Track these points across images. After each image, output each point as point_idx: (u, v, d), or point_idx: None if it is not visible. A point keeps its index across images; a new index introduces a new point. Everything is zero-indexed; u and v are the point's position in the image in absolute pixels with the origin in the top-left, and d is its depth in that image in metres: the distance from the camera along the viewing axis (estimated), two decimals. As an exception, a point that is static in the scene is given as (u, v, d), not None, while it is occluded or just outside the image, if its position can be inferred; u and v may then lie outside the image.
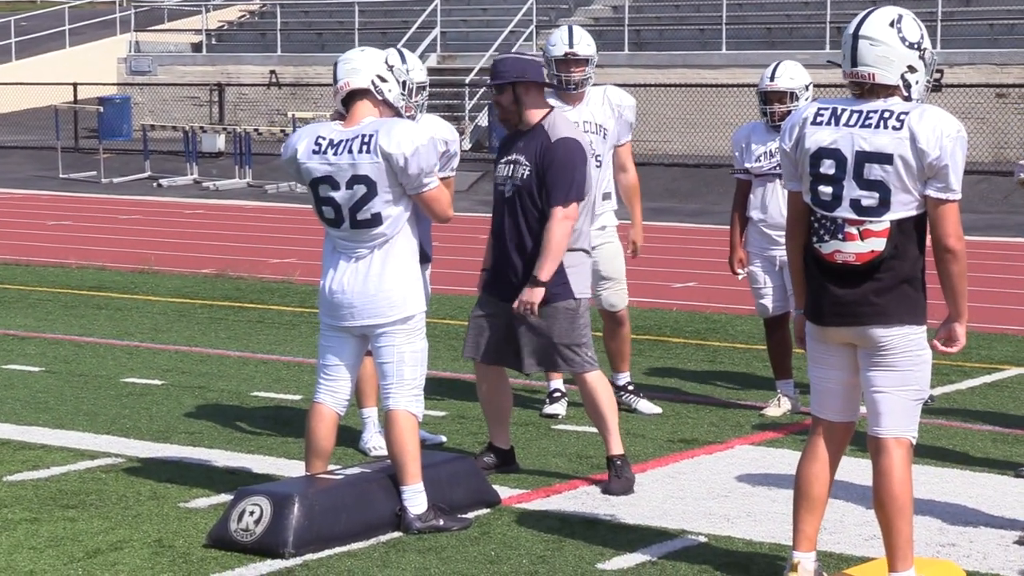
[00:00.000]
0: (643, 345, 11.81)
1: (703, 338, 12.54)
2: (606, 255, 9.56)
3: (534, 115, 7.90)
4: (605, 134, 9.51)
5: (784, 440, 9.01)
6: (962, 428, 9.26)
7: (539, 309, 7.75)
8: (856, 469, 7.74)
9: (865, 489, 7.53)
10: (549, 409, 9.67)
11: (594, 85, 9.63)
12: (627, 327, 9.76)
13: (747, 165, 9.70)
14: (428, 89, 8.61)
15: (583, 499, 7.69)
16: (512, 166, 7.88)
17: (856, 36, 5.97)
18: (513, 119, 7.93)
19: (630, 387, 9.76)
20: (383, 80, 7.22)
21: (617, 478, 7.85)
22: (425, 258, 8.30)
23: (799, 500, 6.21)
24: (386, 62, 7.28)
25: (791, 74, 9.54)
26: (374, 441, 8.63)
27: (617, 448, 7.90)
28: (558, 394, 9.72)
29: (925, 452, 8.29)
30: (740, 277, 9.89)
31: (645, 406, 9.65)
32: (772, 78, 9.53)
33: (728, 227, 10.00)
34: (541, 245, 7.73)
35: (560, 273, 7.78)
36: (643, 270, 14.79)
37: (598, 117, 9.49)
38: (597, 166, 9.46)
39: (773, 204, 9.56)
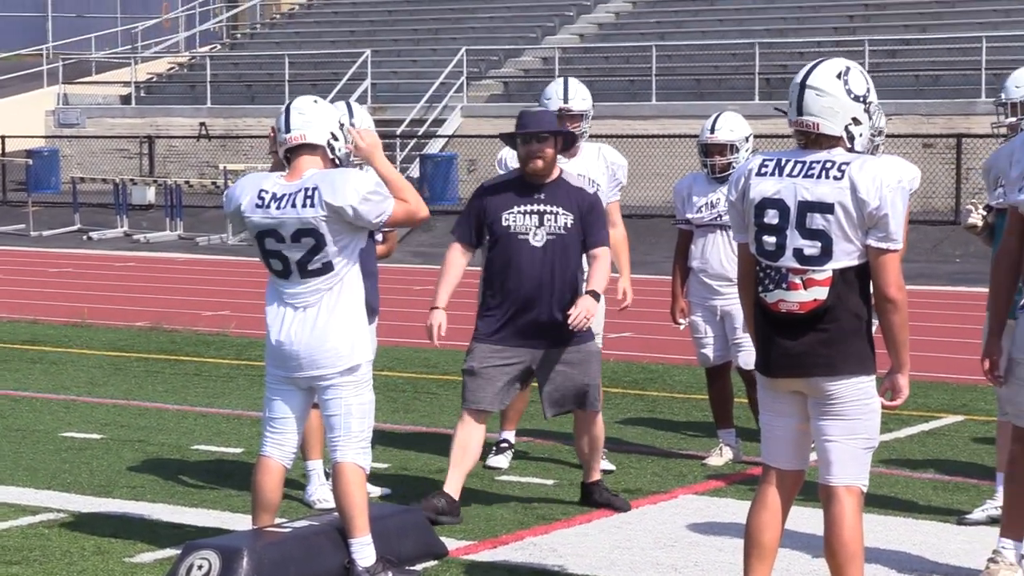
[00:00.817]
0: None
1: (642, 388, 12.59)
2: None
3: (556, 170, 8.43)
4: (598, 189, 9.52)
5: (728, 489, 9.05)
6: (903, 476, 9.33)
7: (573, 350, 8.30)
8: (801, 517, 7.78)
9: (811, 537, 7.59)
10: (493, 461, 9.66)
11: (589, 141, 9.62)
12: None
13: (688, 216, 9.77)
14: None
15: (530, 550, 7.70)
16: (540, 216, 8.31)
17: (803, 86, 6.06)
18: (549, 170, 8.37)
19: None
20: (335, 139, 7.21)
21: (614, 496, 8.54)
22: (372, 311, 8.30)
23: (749, 548, 6.24)
24: (339, 120, 7.25)
25: (731, 126, 9.63)
26: (319, 493, 8.60)
27: (599, 474, 8.63)
28: (505, 445, 9.71)
29: (868, 500, 8.28)
30: (682, 327, 9.94)
31: (500, 460, 9.65)
32: (712, 130, 9.62)
33: (670, 277, 10.02)
34: (591, 272, 8.33)
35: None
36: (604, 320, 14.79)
37: (592, 172, 9.48)
38: None
39: (714, 254, 9.63)
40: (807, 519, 7.90)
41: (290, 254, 7.08)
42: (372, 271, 8.25)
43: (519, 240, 8.27)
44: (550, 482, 9.23)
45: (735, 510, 8.43)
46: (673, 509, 8.58)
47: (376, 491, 8.77)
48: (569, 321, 8.11)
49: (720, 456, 9.74)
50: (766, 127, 21.96)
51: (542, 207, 8.29)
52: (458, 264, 8.47)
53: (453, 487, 8.25)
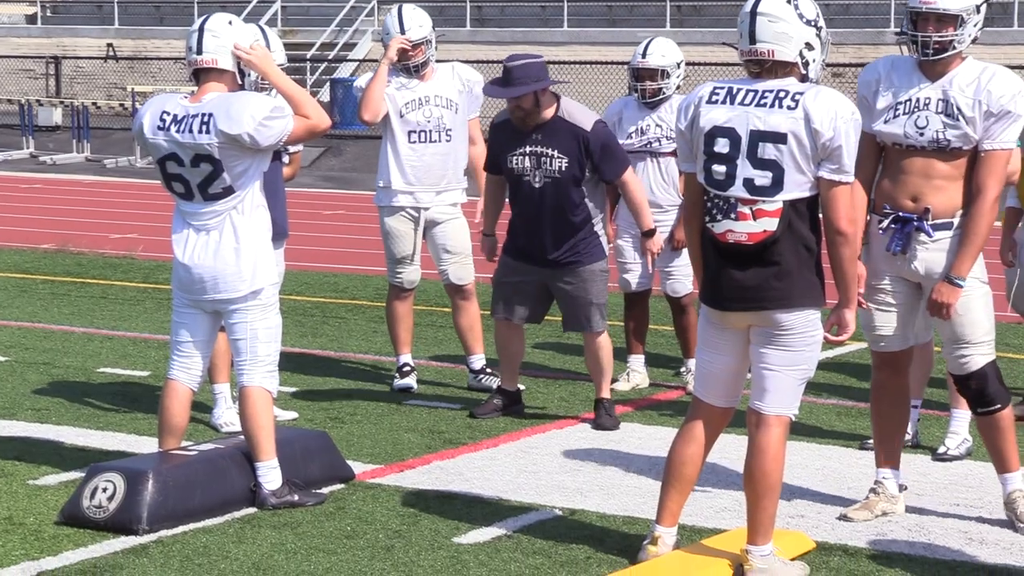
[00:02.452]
0: (492, 321, 11.83)
1: (551, 314, 12.58)
2: (452, 230, 9.64)
3: (548, 111, 8.61)
4: (456, 108, 9.57)
5: (634, 414, 9.12)
6: (808, 402, 9.41)
7: (575, 273, 8.73)
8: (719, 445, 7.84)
9: (716, 462, 7.66)
10: (400, 383, 9.68)
11: (440, 62, 9.69)
12: (475, 304, 9.81)
13: (619, 141, 9.74)
14: (285, 68, 8.53)
15: (436, 474, 7.72)
16: (537, 158, 8.61)
17: (754, 13, 5.98)
18: (534, 118, 8.58)
19: (488, 369, 9.78)
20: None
21: (608, 416, 8.75)
22: (282, 233, 8.27)
23: (669, 479, 6.28)
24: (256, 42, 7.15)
25: (663, 51, 9.61)
26: (226, 417, 8.58)
27: (607, 392, 8.85)
28: (407, 368, 9.72)
29: (772, 425, 8.42)
30: (607, 250, 9.89)
31: (408, 382, 9.68)
32: (644, 55, 9.59)
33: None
34: (633, 209, 8.89)
35: (594, 235, 8.73)
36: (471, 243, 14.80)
37: (448, 92, 9.56)
38: (447, 140, 9.53)
39: (644, 181, 9.60)
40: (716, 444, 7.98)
41: (190, 177, 7.02)
42: (278, 193, 8.20)
43: (523, 180, 8.68)
44: (457, 406, 9.25)
45: (640, 435, 8.51)
46: (579, 433, 8.63)
47: (284, 415, 8.75)
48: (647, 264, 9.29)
49: (628, 381, 9.79)
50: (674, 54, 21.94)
51: (539, 148, 8.61)
52: (492, 191, 9.04)
53: (510, 383, 9.04)
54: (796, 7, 6.00)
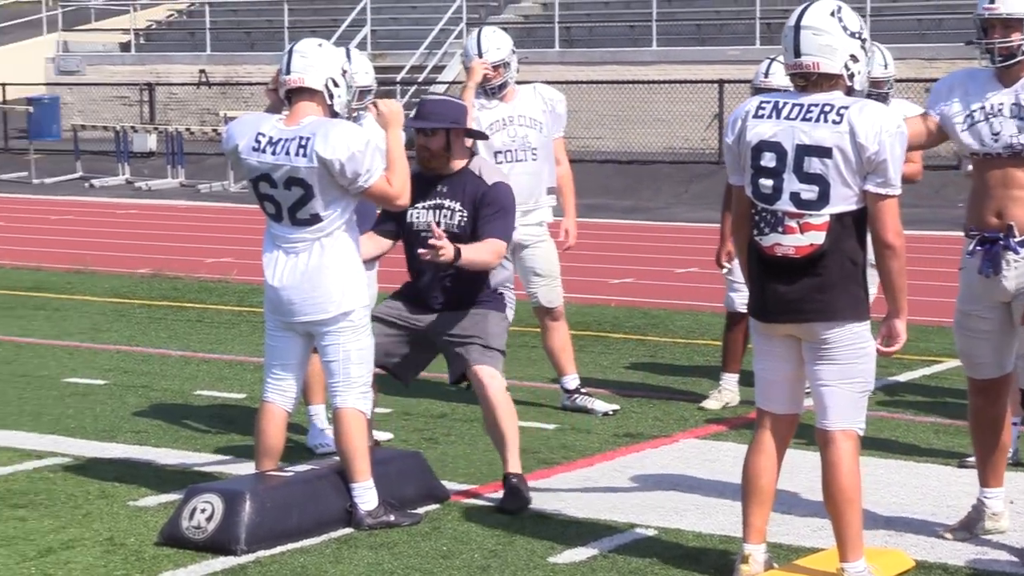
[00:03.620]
0: (584, 341, 11.85)
1: (643, 333, 12.61)
2: (542, 253, 9.66)
3: (459, 161, 7.75)
4: (541, 128, 9.62)
5: (728, 433, 9.08)
6: (905, 420, 9.37)
7: (472, 314, 7.66)
8: (801, 461, 7.82)
9: (810, 480, 7.62)
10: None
11: (522, 83, 9.73)
12: (564, 325, 9.81)
13: None
14: (373, 92, 8.61)
15: (532, 494, 7.72)
16: (437, 211, 7.68)
17: (798, 27, 6.01)
18: (440, 163, 7.71)
19: (582, 389, 9.78)
20: (336, 85, 7.17)
21: (512, 495, 7.54)
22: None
23: (748, 493, 6.27)
24: (342, 67, 7.20)
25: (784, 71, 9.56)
26: (321, 438, 8.64)
27: (513, 466, 7.63)
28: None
29: (870, 443, 8.36)
30: (724, 271, 9.85)
31: (600, 405, 9.67)
32: (766, 75, 9.56)
33: (671, 223, 10.03)
34: (471, 245, 7.52)
35: (497, 295, 7.77)
36: (579, 267, 14.85)
37: (532, 112, 9.61)
38: (533, 159, 9.56)
39: None
40: (807, 461, 7.94)
41: (282, 200, 7.08)
42: (370, 214, 8.25)
43: (420, 235, 7.65)
44: (551, 427, 9.26)
45: (735, 453, 8.45)
46: (674, 453, 8.61)
47: (379, 436, 8.79)
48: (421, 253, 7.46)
49: (719, 399, 9.76)
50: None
51: (441, 201, 7.71)
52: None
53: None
54: (840, 20, 6.00)
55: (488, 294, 7.77)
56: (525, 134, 9.57)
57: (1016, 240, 6.68)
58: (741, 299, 9.75)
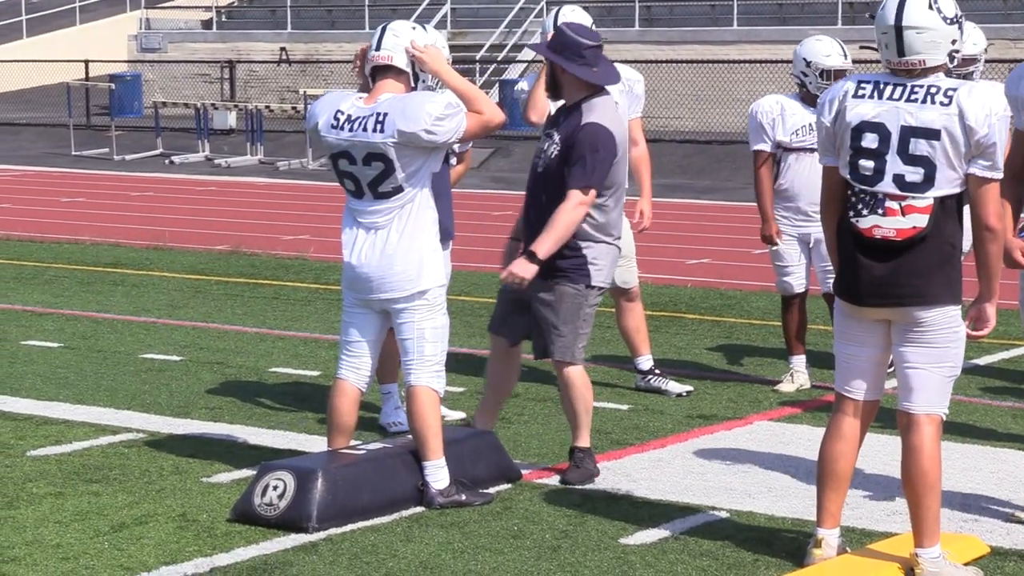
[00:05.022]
0: (659, 322, 11.81)
1: (719, 314, 12.55)
2: None
3: (575, 93, 7.63)
4: (616, 107, 9.53)
5: (802, 416, 9.02)
6: (982, 404, 9.27)
7: (548, 287, 7.55)
8: (876, 444, 7.76)
9: (885, 464, 7.56)
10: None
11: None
12: (640, 305, 9.77)
13: (780, 138, 9.60)
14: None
15: (604, 474, 7.70)
16: (548, 141, 7.62)
17: (899, 28, 5.90)
18: (549, 90, 7.73)
19: (656, 370, 9.74)
20: (422, 69, 7.22)
21: (577, 468, 7.61)
22: (447, 235, 8.31)
23: (824, 478, 6.22)
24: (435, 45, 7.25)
25: (847, 52, 9.58)
26: (394, 416, 8.65)
27: (582, 440, 7.67)
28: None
29: (946, 428, 8.25)
30: (778, 246, 9.77)
31: (674, 387, 9.63)
32: (846, 56, 9.56)
33: (749, 203, 9.94)
34: (545, 227, 7.45)
35: (578, 258, 7.60)
36: (656, 247, 14.79)
37: (613, 93, 9.50)
38: None
39: (804, 179, 9.51)
40: (883, 445, 7.89)
41: (361, 176, 7.11)
42: (445, 193, 8.25)
43: (533, 163, 7.74)
44: (624, 407, 9.23)
45: (809, 436, 8.41)
46: (748, 435, 8.56)
47: (452, 415, 8.80)
48: (500, 277, 7.53)
49: (792, 382, 9.71)
50: (851, 53, 21.72)
51: (552, 131, 7.65)
52: None
53: (481, 421, 8.02)
54: (939, 11, 5.90)
55: (571, 259, 7.58)
56: None
57: None
58: (796, 281, 9.70)
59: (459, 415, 8.93)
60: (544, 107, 9.33)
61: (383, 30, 7.19)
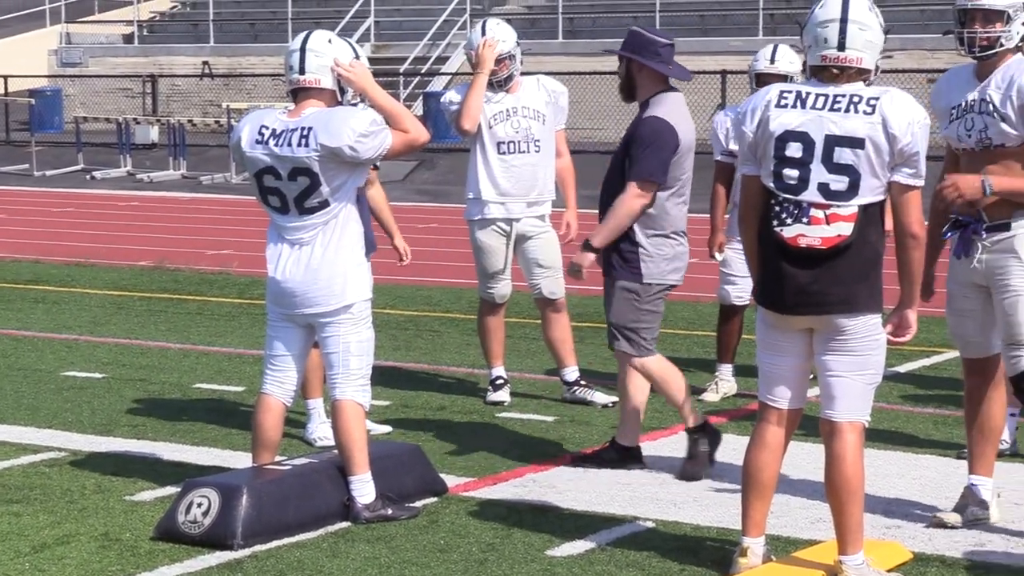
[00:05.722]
0: (584, 332, 11.82)
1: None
2: (544, 243, 9.65)
3: (648, 90, 7.87)
4: (544, 120, 9.60)
5: (727, 425, 9.06)
6: (904, 411, 9.35)
7: (606, 282, 7.86)
8: (800, 452, 7.79)
9: (809, 472, 7.60)
10: (493, 397, 9.68)
11: (526, 74, 9.70)
12: (566, 316, 9.80)
13: (732, 148, 9.65)
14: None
15: (530, 487, 7.71)
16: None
17: (845, 20, 5.94)
18: (623, 90, 7.94)
19: (582, 381, 9.76)
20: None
21: (689, 458, 7.97)
22: (371, 246, 8.30)
23: (748, 487, 6.24)
24: (354, 59, 7.21)
25: (790, 58, 9.51)
26: (319, 431, 8.62)
27: (690, 421, 8.01)
28: (500, 381, 9.73)
29: (869, 435, 8.30)
30: (717, 259, 9.83)
31: (600, 397, 9.65)
32: (772, 60, 9.50)
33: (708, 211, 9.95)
34: (610, 212, 7.73)
35: (632, 252, 7.80)
36: (561, 257, 14.79)
37: (535, 103, 9.59)
38: (536, 151, 9.54)
39: None
40: (807, 454, 7.93)
41: (287, 191, 7.08)
42: (363, 207, 8.24)
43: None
44: (550, 419, 9.24)
45: (734, 445, 8.42)
46: (673, 445, 8.58)
47: (378, 428, 8.78)
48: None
49: (716, 391, 9.75)
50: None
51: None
52: None
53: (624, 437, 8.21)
54: (877, 15, 5.99)
55: (625, 254, 7.81)
56: (528, 125, 9.55)
57: (985, 225, 6.77)
58: (736, 292, 9.74)
59: (385, 429, 8.91)
60: (477, 115, 9.37)
61: (303, 51, 7.13)
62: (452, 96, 9.61)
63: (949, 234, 6.89)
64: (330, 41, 7.18)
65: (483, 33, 9.54)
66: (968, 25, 6.77)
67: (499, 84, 9.52)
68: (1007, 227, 6.77)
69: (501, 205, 9.58)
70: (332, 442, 7.68)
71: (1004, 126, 6.71)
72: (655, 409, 9.48)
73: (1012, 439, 8.14)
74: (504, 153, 9.52)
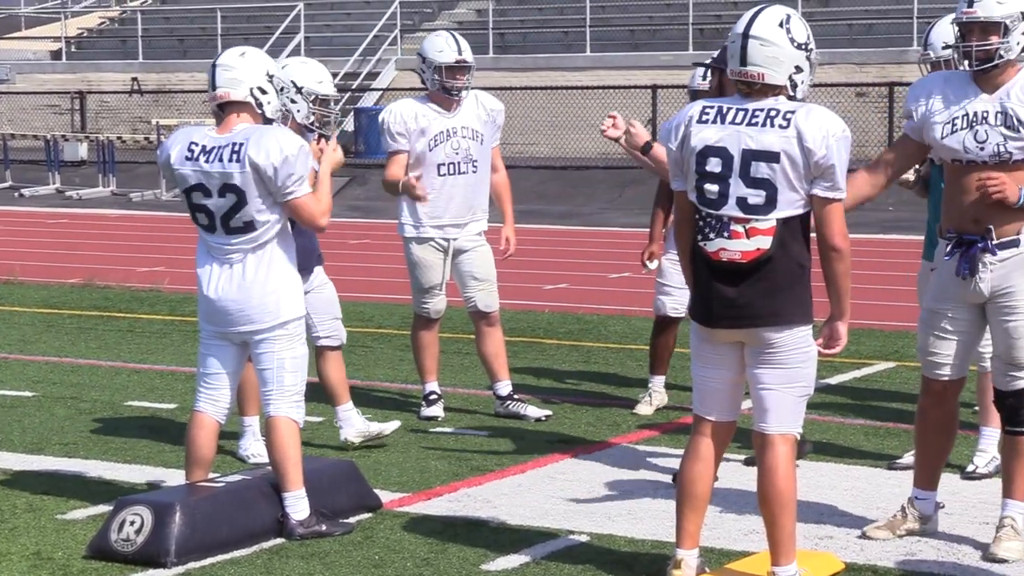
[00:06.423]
0: (517, 347, 11.85)
1: (576, 339, 12.62)
2: (479, 257, 9.65)
3: None
4: (482, 140, 9.60)
5: (660, 438, 9.09)
6: (835, 422, 9.41)
7: None
8: (734, 464, 7.83)
9: (742, 484, 7.64)
10: (427, 412, 9.68)
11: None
12: (499, 331, 9.81)
13: None
14: (335, 101, 8.69)
15: (464, 501, 7.71)
16: None
17: (746, 36, 6.00)
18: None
19: (515, 395, 9.76)
20: (263, 92, 7.15)
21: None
22: (318, 259, 8.43)
23: (683, 499, 6.26)
24: (267, 72, 7.19)
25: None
26: (253, 448, 8.58)
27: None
28: (434, 396, 9.73)
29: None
30: (651, 267, 9.82)
31: (533, 411, 9.66)
32: (706, 78, 9.54)
33: (606, 229, 10.03)
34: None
35: None
36: (513, 272, 14.82)
37: (474, 123, 9.57)
38: (474, 172, 9.54)
39: None
40: (739, 466, 7.98)
41: (215, 209, 7.05)
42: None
43: None
44: (484, 433, 9.25)
45: (668, 458, 8.48)
46: (607, 458, 8.61)
47: (389, 427, 8.92)
48: None
49: (650, 403, 9.77)
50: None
51: None
52: None
53: None
54: (788, 31, 6.00)
55: None
56: (468, 146, 9.54)
57: (995, 243, 6.68)
58: (672, 303, 9.76)
59: (394, 424, 8.97)
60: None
61: (214, 67, 7.16)
62: (387, 115, 9.51)
63: (949, 255, 6.76)
64: (242, 55, 7.18)
65: (457, 41, 9.48)
66: (967, 39, 6.71)
67: (456, 92, 9.47)
68: (1017, 244, 6.69)
69: (438, 228, 9.57)
70: (265, 459, 7.68)
71: None
72: (588, 423, 9.51)
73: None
74: (444, 175, 9.51)
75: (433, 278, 9.63)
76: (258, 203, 7.00)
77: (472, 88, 9.75)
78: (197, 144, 7.09)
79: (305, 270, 8.13)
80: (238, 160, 6.97)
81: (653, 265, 9.78)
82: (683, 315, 9.73)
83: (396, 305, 14.25)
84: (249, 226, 7.03)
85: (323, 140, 7.76)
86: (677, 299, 9.71)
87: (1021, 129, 6.61)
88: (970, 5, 6.68)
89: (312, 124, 8.42)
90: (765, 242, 5.97)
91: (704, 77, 9.44)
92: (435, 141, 9.47)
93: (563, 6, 32.72)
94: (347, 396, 8.92)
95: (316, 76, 8.49)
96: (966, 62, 6.70)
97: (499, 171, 9.81)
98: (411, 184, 9.37)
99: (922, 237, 8.63)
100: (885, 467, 8.29)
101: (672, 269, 9.70)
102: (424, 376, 9.76)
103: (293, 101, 8.33)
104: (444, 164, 9.50)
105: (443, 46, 9.50)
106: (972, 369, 7.32)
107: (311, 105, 8.44)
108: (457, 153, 9.51)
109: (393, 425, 9.00)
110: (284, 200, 7.03)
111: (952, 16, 6.98)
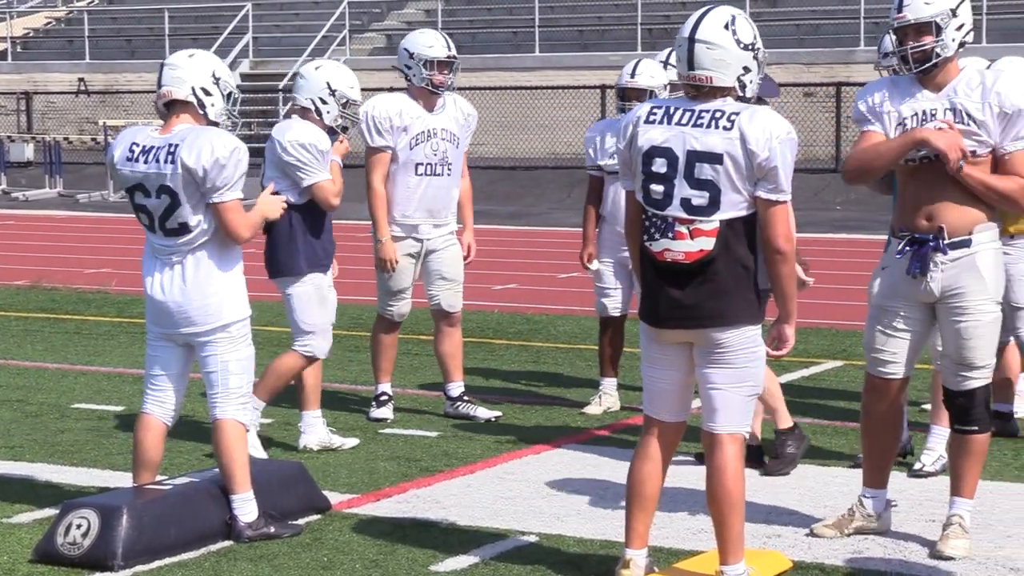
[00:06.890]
0: (467, 347, 11.78)
1: (526, 339, 12.62)
2: (449, 257, 9.65)
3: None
4: (458, 143, 9.58)
5: (610, 438, 9.11)
6: (783, 421, 9.42)
7: None
8: (683, 464, 7.85)
9: (691, 483, 7.66)
10: (377, 413, 9.66)
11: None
12: (459, 332, 9.81)
13: (600, 162, 9.72)
14: (357, 103, 8.78)
15: (413, 503, 7.70)
16: None
17: (692, 40, 6.01)
18: None
19: (465, 396, 9.75)
20: (207, 94, 7.11)
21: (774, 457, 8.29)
22: (328, 256, 8.82)
23: (632, 499, 6.27)
24: (213, 74, 7.15)
25: (652, 72, 9.53)
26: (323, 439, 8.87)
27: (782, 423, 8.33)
28: (385, 397, 9.71)
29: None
30: (592, 269, 9.85)
31: (483, 412, 9.65)
32: (633, 75, 9.54)
33: (555, 228, 10.06)
34: None
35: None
36: (464, 272, 14.80)
37: (452, 126, 9.56)
38: (448, 174, 9.51)
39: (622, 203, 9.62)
40: (689, 467, 7.99)
41: (153, 209, 7.02)
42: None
43: None
44: (433, 434, 9.24)
45: (617, 459, 8.49)
46: (556, 458, 8.61)
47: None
48: None
49: (600, 404, 9.79)
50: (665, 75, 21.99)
51: None
52: None
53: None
54: (734, 33, 6.01)
55: None
56: (445, 149, 9.52)
57: (946, 242, 6.70)
58: (612, 304, 9.79)
59: (353, 442, 8.97)
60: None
61: (161, 66, 7.17)
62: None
63: (901, 253, 6.78)
64: (191, 56, 7.16)
65: (446, 40, 9.47)
66: (903, 42, 6.73)
67: (440, 89, 9.45)
68: (968, 244, 6.71)
69: (412, 227, 9.55)
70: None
71: (983, 134, 6.62)
72: (538, 423, 9.52)
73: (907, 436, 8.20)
74: (421, 175, 9.48)
75: (402, 281, 9.61)
76: (191, 205, 6.96)
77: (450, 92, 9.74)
78: (138, 144, 7.06)
79: (325, 267, 8.75)
80: (171, 161, 6.93)
81: (595, 266, 9.81)
82: (624, 313, 9.77)
83: (345, 306, 14.18)
84: (184, 228, 6.99)
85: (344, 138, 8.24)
86: (615, 299, 9.77)
87: (971, 124, 6.65)
88: (899, 10, 6.75)
89: (337, 126, 8.61)
90: (708, 243, 5.99)
91: (633, 75, 9.46)
92: (416, 140, 9.44)
93: (512, 6, 32.74)
94: (318, 403, 8.91)
95: (349, 81, 8.74)
96: (906, 66, 6.75)
97: (464, 177, 9.77)
98: (390, 263, 9.45)
99: (872, 237, 8.67)
100: (832, 465, 8.32)
101: (606, 271, 9.74)
102: (379, 377, 9.74)
103: (324, 102, 8.63)
104: (423, 164, 9.47)
105: (433, 42, 9.48)
106: (921, 367, 7.35)
107: (341, 108, 8.63)
108: (435, 155, 9.48)
109: (353, 441, 8.96)
110: (210, 202, 6.97)
111: None
